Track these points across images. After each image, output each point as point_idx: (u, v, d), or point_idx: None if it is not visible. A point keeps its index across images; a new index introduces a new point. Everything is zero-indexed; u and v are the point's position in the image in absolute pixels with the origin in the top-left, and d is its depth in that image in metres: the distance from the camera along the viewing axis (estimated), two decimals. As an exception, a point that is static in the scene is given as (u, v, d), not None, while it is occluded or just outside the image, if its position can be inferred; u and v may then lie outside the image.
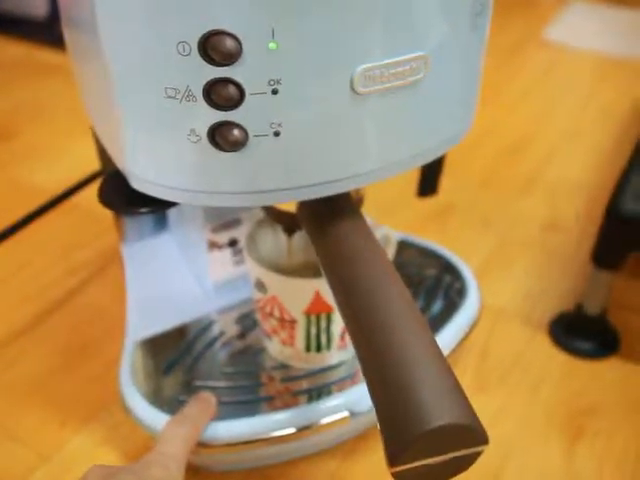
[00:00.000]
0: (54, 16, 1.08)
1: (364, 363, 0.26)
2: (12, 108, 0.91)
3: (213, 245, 0.44)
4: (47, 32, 1.09)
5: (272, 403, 0.39)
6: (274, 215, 0.36)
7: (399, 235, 0.53)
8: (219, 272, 0.46)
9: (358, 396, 0.39)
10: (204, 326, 0.45)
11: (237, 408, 0.39)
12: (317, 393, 0.40)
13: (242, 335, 0.44)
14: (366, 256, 0.30)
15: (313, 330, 0.39)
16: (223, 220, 0.44)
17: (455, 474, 0.25)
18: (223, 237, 0.44)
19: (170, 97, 0.27)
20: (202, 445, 0.37)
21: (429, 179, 0.46)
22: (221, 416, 0.38)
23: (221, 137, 0.27)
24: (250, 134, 0.27)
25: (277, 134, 0.27)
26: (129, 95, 0.27)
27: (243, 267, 0.47)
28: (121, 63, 0.27)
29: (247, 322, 0.45)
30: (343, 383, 0.40)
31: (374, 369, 0.25)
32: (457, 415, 0.23)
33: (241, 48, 0.25)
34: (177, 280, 0.48)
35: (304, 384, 0.41)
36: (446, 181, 0.69)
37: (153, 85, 0.26)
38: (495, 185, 0.72)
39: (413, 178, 0.50)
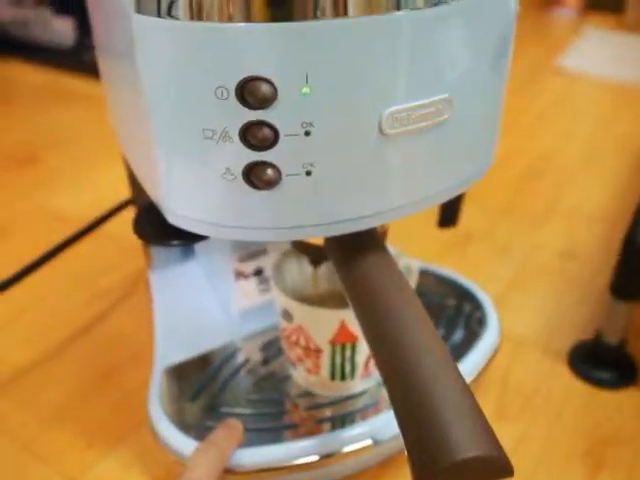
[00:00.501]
0: (81, 44, 1.11)
1: (392, 392, 0.27)
2: (36, 134, 0.94)
3: (239, 274, 0.45)
4: (73, 60, 1.12)
5: (296, 431, 0.40)
6: (301, 247, 0.38)
7: (420, 265, 0.54)
8: (245, 300, 0.47)
9: (381, 424, 0.40)
10: (230, 353, 0.46)
11: (262, 435, 0.40)
12: (341, 421, 0.41)
13: (267, 362, 0.45)
14: (391, 287, 0.31)
15: (338, 359, 0.40)
16: (249, 250, 0.45)
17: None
18: (249, 266, 0.46)
19: (207, 138, 0.28)
20: (227, 471, 0.38)
21: (450, 211, 0.47)
22: (246, 443, 0.39)
23: (256, 176, 0.28)
24: (283, 173, 0.28)
25: (309, 173, 0.29)
26: (166, 134, 0.29)
27: (268, 295, 0.48)
28: (160, 104, 0.28)
29: (272, 349, 0.46)
30: (366, 411, 0.41)
31: (401, 398, 0.26)
32: (484, 447, 0.24)
33: (276, 93, 0.26)
34: (203, 307, 0.50)
35: (328, 412, 0.41)
36: (464, 209, 0.70)
37: (191, 126, 0.28)
38: (513, 213, 0.73)
39: (433, 208, 0.51)
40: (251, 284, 0.46)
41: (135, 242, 0.66)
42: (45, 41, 1.15)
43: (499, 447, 0.25)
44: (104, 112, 0.96)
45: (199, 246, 0.52)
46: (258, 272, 0.46)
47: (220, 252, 0.46)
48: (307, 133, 0.28)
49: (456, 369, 0.27)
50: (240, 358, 0.45)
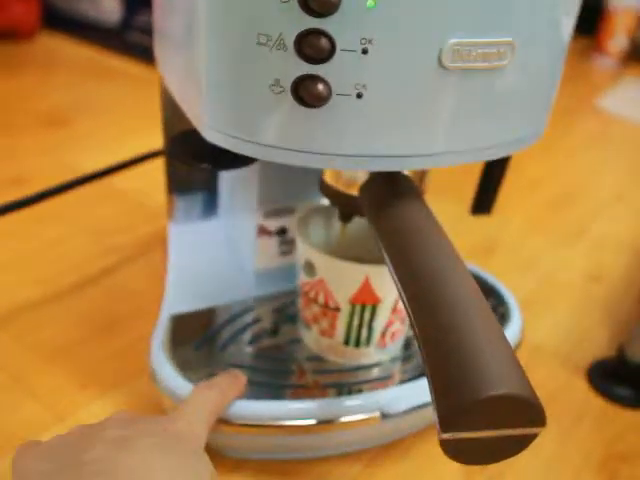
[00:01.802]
0: (126, 24, 1.12)
1: (421, 328, 0.25)
2: (71, 101, 0.94)
3: (262, 231, 0.44)
4: (117, 39, 1.13)
5: (298, 391, 0.38)
6: (333, 195, 0.36)
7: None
8: (264, 259, 0.45)
9: (391, 398, 0.38)
10: (241, 310, 0.44)
11: (262, 390, 0.38)
12: (347, 389, 0.39)
13: (277, 325, 0.43)
14: (429, 232, 0.29)
15: (355, 321, 0.38)
16: (276, 207, 0.44)
17: (505, 456, 0.24)
18: (274, 224, 0.44)
19: (261, 44, 0.27)
20: (220, 421, 0.36)
21: (486, 196, 0.45)
22: (244, 395, 0.37)
23: (305, 90, 0.27)
24: (334, 91, 0.27)
25: (359, 96, 0.27)
26: (219, 36, 0.28)
27: (288, 258, 0.46)
28: (217, 4, 0.27)
29: (284, 314, 0.44)
30: (377, 383, 0.39)
31: (432, 333, 0.25)
32: (518, 387, 0.22)
33: (340, 1, 0.25)
34: (219, 263, 0.48)
35: (335, 378, 0.39)
36: (493, 218, 0.69)
37: (246, 29, 0.27)
38: (541, 231, 0.72)
39: (458, 215, 0.49)
40: (273, 243, 0.45)
41: (156, 205, 0.66)
42: (92, 18, 1.16)
43: (534, 392, 0.23)
44: (140, 89, 0.97)
45: (223, 203, 0.51)
46: (282, 232, 0.45)
47: (245, 207, 0.45)
48: (364, 51, 0.27)
49: (494, 318, 0.25)
50: (251, 317, 0.44)
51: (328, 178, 0.37)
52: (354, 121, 0.28)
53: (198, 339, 0.41)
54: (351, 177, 0.35)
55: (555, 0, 0.29)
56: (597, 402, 0.48)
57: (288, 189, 0.44)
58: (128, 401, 0.43)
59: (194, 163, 0.34)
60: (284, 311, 0.45)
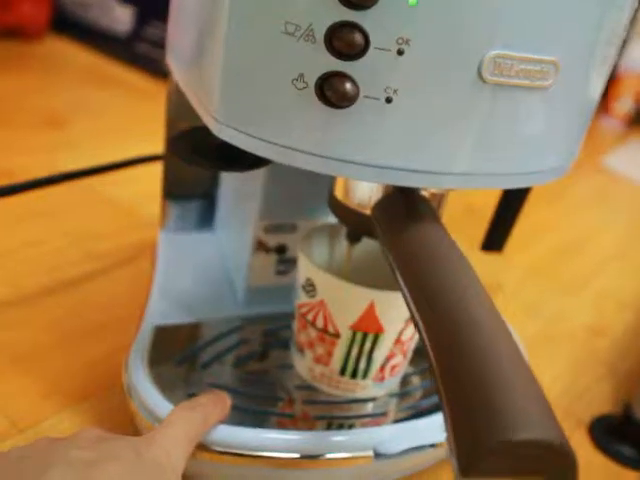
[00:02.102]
0: (136, 35, 1.10)
1: (440, 358, 0.22)
2: (71, 105, 0.92)
3: (260, 245, 0.41)
4: (126, 49, 1.11)
5: (284, 421, 0.35)
6: (343, 212, 0.34)
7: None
8: (258, 277, 0.42)
9: (386, 436, 0.35)
10: (229, 329, 0.41)
11: (244, 416, 0.34)
12: (338, 423, 0.36)
13: (265, 349, 0.40)
14: (448, 257, 0.27)
15: (354, 350, 0.35)
16: (278, 221, 0.41)
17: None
18: (273, 239, 0.41)
19: (288, 33, 0.25)
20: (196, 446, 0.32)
21: (499, 231, 0.43)
22: (226, 420, 0.33)
23: (331, 88, 0.25)
24: (361, 93, 0.25)
25: (389, 100, 0.25)
26: (241, 20, 0.25)
27: (284, 279, 0.43)
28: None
29: (275, 337, 0.41)
30: (371, 420, 0.36)
31: (452, 363, 0.22)
32: (550, 432, 0.19)
33: (379, -6, 0.23)
34: (210, 277, 0.45)
35: (326, 410, 0.36)
36: (496, 260, 0.67)
37: (273, 15, 0.25)
38: (545, 278, 0.70)
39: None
40: (270, 260, 0.42)
41: (146, 215, 0.63)
42: (102, 26, 1.15)
43: (565, 436, 0.20)
44: (143, 100, 0.95)
45: (220, 215, 0.49)
46: (281, 249, 0.42)
47: (245, 219, 0.42)
48: (400, 52, 0.24)
49: (519, 350, 0.23)
50: (239, 336, 0.41)
51: (338, 193, 0.34)
52: (380, 128, 0.26)
53: (180, 355, 0.38)
54: (364, 194, 0.33)
55: (602, 26, 0.27)
56: (599, 460, 0.45)
57: (293, 204, 0.41)
58: (96, 416, 0.39)
59: (197, 161, 0.31)
60: (275, 334, 0.42)
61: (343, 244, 0.37)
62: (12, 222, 0.58)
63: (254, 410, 0.35)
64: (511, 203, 0.42)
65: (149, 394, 0.34)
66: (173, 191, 0.46)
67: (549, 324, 0.60)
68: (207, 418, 0.31)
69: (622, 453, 0.45)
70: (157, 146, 0.53)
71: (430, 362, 0.23)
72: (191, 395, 0.34)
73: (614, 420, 0.47)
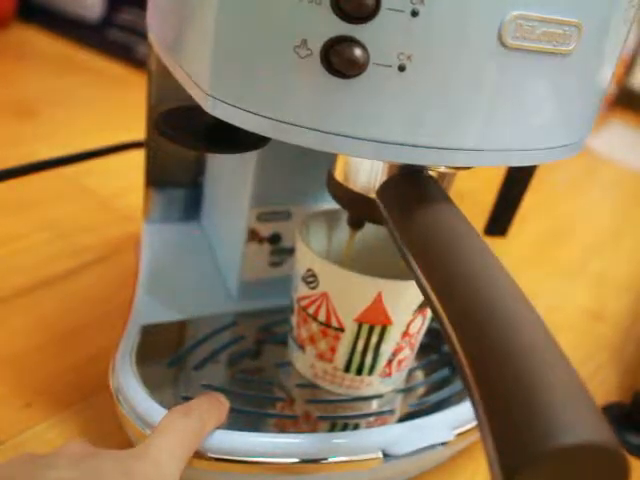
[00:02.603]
0: (106, 21, 1.06)
1: (469, 352, 0.20)
2: (41, 94, 0.87)
3: (253, 235, 0.39)
4: (96, 36, 1.07)
5: (285, 423, 0.32)
6: (344, 196, 0.31)
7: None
8: (251, 269, 0.40)
9: (395, 436, 0.32)
10: (222, 325, 0.38)
11: (241, 419, 0.32)
12: (343, 424, 0.33)
13: (263, 344, 0.38)
14: (464, 236, 0.24)
15: (360, 344, 0.33)
16: (271, 209, 0.38)
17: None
18: (267, 228, 0.39)
19: (290, -7, 0.22)
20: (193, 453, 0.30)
21: (503, 214, 0.41)
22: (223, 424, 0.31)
23: (337, 55, 0.22)
24: (371, 60, 0.22)
25: (402, 68, 0.23)
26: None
27: (279, 270, 0.41)
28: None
29: (271, 333, 0.39)
30: (379, 418, 0.34)
31: (485, 359, 0.19)
32: (600, 435, 0.17)
33: (393, -54, 0.21)
34: (200, 271, 0.42)
35: (330, 410, 0.34)
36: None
37: (273, -27, 0.22)
38: (539, 265, 0.68)
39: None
40: (263, 250, 0.39)
41: (128, 207, 0.60)
42: (71, 12, 1.10)
43: (616, 440, 0.18)
44: (117, 89, 0.91)
45: (207, 204, 0.46)
46: (275, 239, 0.39)
47: (235, 206, 0.39)
48: (414, 13, 0.22)
49: (554, 339, 0.21)
50: (233, 333, 0.38)
51: (339, 176, 0.32)
52: (392, 99, 0.23)
53: (171, 355, 0.35)
54: (368, 176, 0.30)
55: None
56: (609, 452, 0.43)
57: (288, 189, 0.38)
58: (82, 424, 0.36)
59: (188, 142, 0.28)
60: (270, 330, 0.39)
61: (344, 231, 0.35)
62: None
63: (252, 412, 0.32)
64: (515, 185, 0.40)
65: (139, 398, 0.32)
66: (157, 179, 0.43)
67: (547, 311, 0.59)
68: (204, 424, 0.28)
69: (632, 442, 0.43)
70: (136, 134, 0.49)
71: (456, 356, 0.21)
72: (185, 398, 0.32)
73: (622, 408, 0.46)
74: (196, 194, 0.46)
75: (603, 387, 0.49)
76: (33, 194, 0.58)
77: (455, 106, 0.24)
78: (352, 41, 0.22)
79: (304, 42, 0.23)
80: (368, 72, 0.23)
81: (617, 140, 1.24)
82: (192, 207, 0.47)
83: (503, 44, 0.23)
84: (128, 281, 0.44)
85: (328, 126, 0.24)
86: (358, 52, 0.22)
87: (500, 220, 0.41)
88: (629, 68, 1.39)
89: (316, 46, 0.22)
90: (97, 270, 0.51)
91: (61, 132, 0.76)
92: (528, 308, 0.22)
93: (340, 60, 0.22)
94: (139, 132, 0.46)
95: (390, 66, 0.23)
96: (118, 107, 0.86)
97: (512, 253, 0.69)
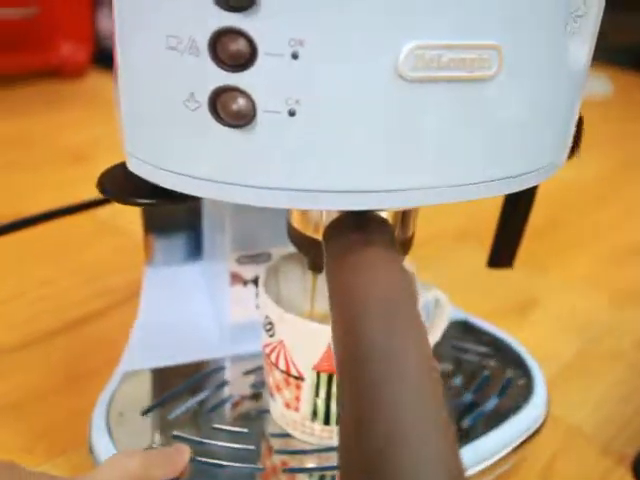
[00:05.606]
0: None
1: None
2: (101, 139, 0.92)
3: (236, 278, 0.38)
4: None
5: (256, 476, 0.31)
6: (299, 241, 0.30)
7: (462, 314, 0.45)
8: (238, 312, 0.39)
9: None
10: (208, 371, 0.38)
11: (210, 472, 0.31)
12: (319, 476, 0.32)
13: (247, 390, 0.37)
14: (389, 298, 0.22)
15: (322, 393, 0.31)
16: (252, 252, 0.38)
17: None
18: (249, 271, 0.38)
19: (171, 48, 0.22)
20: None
21: (504, 245, 0.38)
22: (188, 477, 0.30)
23: (222, 106, 0.21)
24: (259, 107, 0.21)
25: (292, 113, 0.21)
26: (128, 39, 0.23)
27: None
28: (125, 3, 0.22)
29: (258, 377, 0.38)
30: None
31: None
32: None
33: (257, -12, 0.20)
34: (195, 314, 0.42)
35: (304, 461, 0.32)
36: (533, 270, 0.61)
37: (154, 30, 0.22)
38: (593, 289, 0.62)
39: (484, 264, 0.42)
40: (248, 293, 0.39)
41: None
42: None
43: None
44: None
45: (207, 245, 0.46)
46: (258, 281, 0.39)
47: (220, 251, 0.39)
48: (295, 55, 0.21)
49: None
50: (218, 379, 0.37)
51: (294, 220, 0.31)
52: (287, 145, 0.22)
53: (149, 402, 0.35)
54: (317, 217, 0.29)
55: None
56: (645, 504, 0.38)
57: (266, 232, 0.38)
58: (68, 472, 0.37)
59: (130, 200, 0.28)
60: (257, 375, 0.38)
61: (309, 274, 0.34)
62: (24, 261, 0.57)
63: (214, 464, 0.31)
64: (515, 213, 0.37)
65: (107, 452, 0.32)
66: (155, 224, 0.44)
67: (592, 342, 0.54)
68: (147, 469, 0.28)
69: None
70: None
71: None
72: (148, 449, 0.31)
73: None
74: (198, 236, 0.47)
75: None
76: (67, 238, 0.61)
77: (355, 146, 0.22)
78: (235, 90, 0.21)
79: (192, 95, 0.22)
80: (259, 119, 0.22)
81: None
82: (195, 249, 0.47)
83: (402, 77, 0.21)
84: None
85: (233, 177, 0.23)
86: (241, 101, 0.21)
87: (504, 250, 0.38)
88: None
89: (204, 97, 0.22)
90: (118, 313, 0.52)
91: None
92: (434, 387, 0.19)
93: (225, 110, 0.21)
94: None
95: (279, 112, 0.21)
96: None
97: (560, 274, 0.64)
